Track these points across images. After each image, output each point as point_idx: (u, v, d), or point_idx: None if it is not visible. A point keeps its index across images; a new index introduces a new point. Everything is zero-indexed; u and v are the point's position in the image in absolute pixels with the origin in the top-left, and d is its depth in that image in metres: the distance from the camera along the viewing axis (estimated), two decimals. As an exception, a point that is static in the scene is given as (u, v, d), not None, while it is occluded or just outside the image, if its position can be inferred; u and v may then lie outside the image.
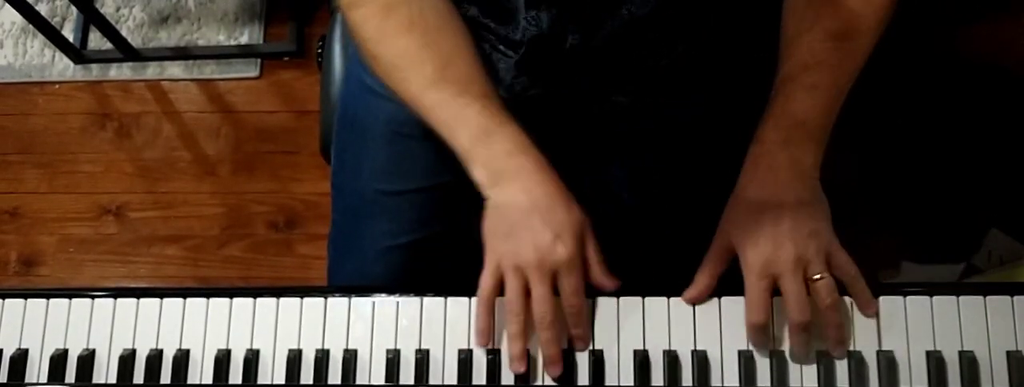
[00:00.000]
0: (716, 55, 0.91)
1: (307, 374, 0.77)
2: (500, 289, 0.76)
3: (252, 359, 0.78)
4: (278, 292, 0.80)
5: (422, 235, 0.95)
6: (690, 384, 0.75)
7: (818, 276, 0.73)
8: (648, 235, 0.94)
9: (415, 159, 0.95)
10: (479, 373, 0.76)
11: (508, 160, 0.76)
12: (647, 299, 0.77)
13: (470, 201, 0.98)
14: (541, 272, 0.74)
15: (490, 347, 0.77)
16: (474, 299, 0.78)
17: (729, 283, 0.76)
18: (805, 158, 0.76)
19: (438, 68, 0.78)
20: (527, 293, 0.74)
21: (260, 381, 0.78)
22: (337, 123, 1.04)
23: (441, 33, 0.80)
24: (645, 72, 0.89)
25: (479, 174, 0.77)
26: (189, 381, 0.78)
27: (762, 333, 0.74)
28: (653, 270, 0.80)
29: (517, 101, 0.93)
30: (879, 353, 0.74)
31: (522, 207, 0.75)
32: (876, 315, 0.74)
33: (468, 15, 0.87)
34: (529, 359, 0.76)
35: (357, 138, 1.00)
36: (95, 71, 1.82)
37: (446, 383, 0.76)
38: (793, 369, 0.74)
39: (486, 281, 0.76)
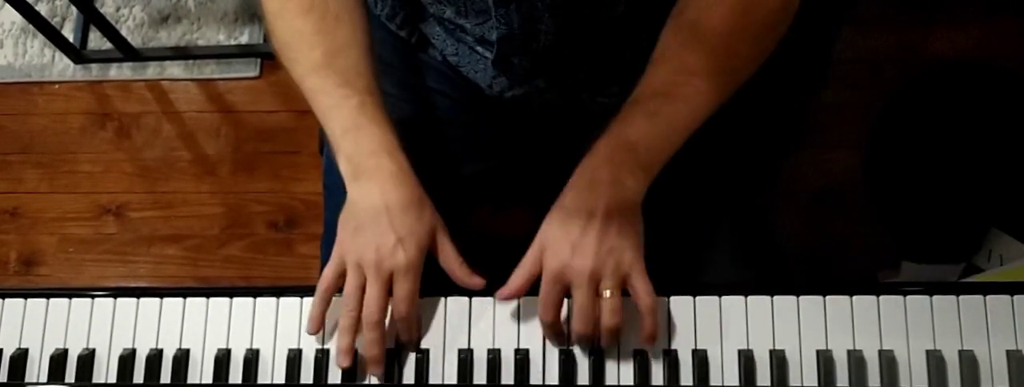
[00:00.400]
0: None
1: (307, 374, 0.77)
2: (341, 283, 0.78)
3: (252, 359, 0.78)
4: (278, 292, 0.80)
5: None
6: (690, 384, 0.75)
7: (607, 293, 0.74)
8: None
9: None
10: (479, 373, 0.76)
11: (369, 158, 0.78)
12: (647, 299, 0.77)
13: (459, 201, 0.98)
14: (378, 273, 0.76)
15: (490, 347, 0.77)
16: (474, 299, 0.78)
17: (729, 283, 0.76)
18: (627, 180, 0.76)
19: (326, 55, 0.80)
20: (364, 290, 0.76)
21: (260, 381, 0.78)
22: None
23: (339, 22, 0.81)
24: (625, 71, 0.89)
25: (343, 167, 0.80)
26: (189, 381, 0.78)
27: (550, 329, 0.76)
28: (651, 264, 0.80)
29: (499, 103, 0.93)
30: (880, 352, 0.74)
31: (373, 207, 0.77)
32: (655, 342, 0.75)
33: (445, 17, 0.87)
34: (529, 360, 0.76)
35: None
36: (95, 71, 1.82)
37: (446, 383, 0.76)
38: (793, 369, 0.74)
39: (327, 272, 0.78)
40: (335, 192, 1.01)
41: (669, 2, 0.80)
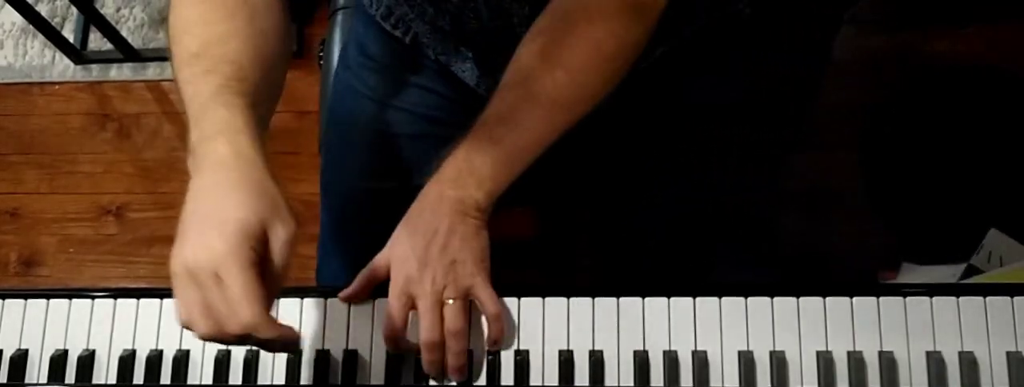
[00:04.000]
0: (669, 34, 0.91)
1: (307, 374, 0.77)
2: None
3: (252, 359, 0.78)
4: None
5: None
6: (690, 385, 0.75)
7: (449, 301, 0.75)
8: (642, 229, 0.94)
9: (399, 158, 0.96)
10: (479, 373, 0.76)
11: (205, 144, 0.69)
12: (647, 299, 0.77)
13: None
14: (196, 281, 0.65)
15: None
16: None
17: (730, 283, 0.76)
18: (468, 200, 0.77)
19: (203, 44, 0.74)
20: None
21: (260, 381, 0.78)
22: (325, 123, 1.04)
23: (230, 17, 0.76)
24: None
25: (189, 162, 0.71)
26: (189, 381, 0.78)
27: (391, 342, 0.76)
28: (651, 264, 0.80)
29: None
30: (880, 354, 0.74)
31: (195, 200, 0.68)
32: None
33: (426, 19, 0.88)
34: (528, 361, 0.76)
35: (342, 138, 1.00)
36: (95, 71, 1.82)
37: (447, 384, 0.76)
38: (793, 370, 0.74)
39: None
40: (330, 191, 1.02)
41: None
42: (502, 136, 0.78)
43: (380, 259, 0.78)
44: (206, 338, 0.66)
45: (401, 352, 0.77)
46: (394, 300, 0.76)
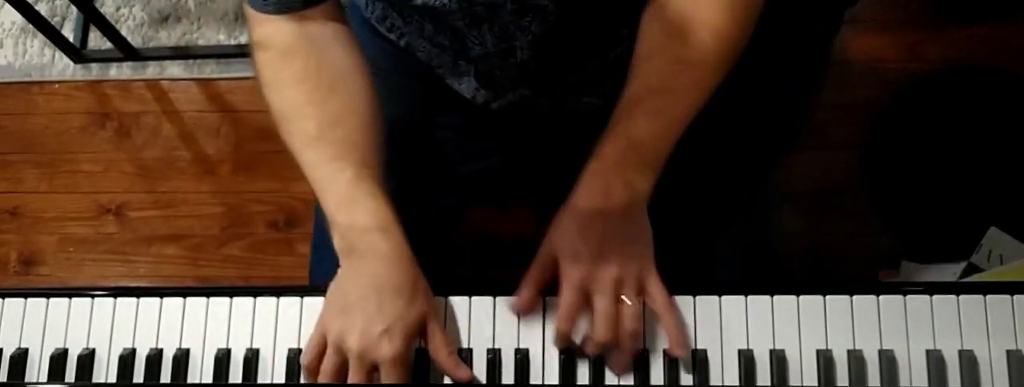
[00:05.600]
0: None
1: (307, 374, 0.77)
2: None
3: (252, 359, 0.78)
4: (278, 292, 0.80)
5: None
6: (690, 384, 0.75)
7: (627, 300, 0.73)
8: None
9: (390, 159, 0.96)
10: (479, 372, 0.76)
11: (363, 235, 0.75)
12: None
13: (456, 200, 0.98)
14: (360, 362, 0.73)
15: (490, 347, 0.77)
16: (473, 298, 0.78)
17: (730, 283, 0.76)
18: (638, 182, 0.76)
19: (320, 126, 0.78)
20: (344, 367, 0.73)
21: (260, 381, 0.78)
22: None
23: (333, 92, 0.79)
24: (610, 72, 0.89)
25: (337, 242, 0.77)
26: (189, 380, 0.78)
27: (564, 340, 0.74)
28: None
29: (486, 114, 0.93)
30: (880, 352, 0.74)
31: (363, 288, 0.74)
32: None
33: (425, 34, 0.87)
34: (529, 360, 0.76)
35: None
36: (95, 71, 1.82)
37: (445, 383, 0.76)
38: (793, 369, 0.74)
39: (311, 348, 0.75)
40: None
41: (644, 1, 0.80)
42: (659, 107, 0.76)
43: (545, 254, 0.76)
44: None
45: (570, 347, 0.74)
46: (569, 295, 0.73)
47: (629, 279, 0.73)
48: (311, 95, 0.78)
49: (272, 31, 0.80)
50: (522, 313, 0.76)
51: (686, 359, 0.74)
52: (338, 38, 0.81)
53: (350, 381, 0.73)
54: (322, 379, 0.74)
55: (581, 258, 0.74)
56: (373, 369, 0.73)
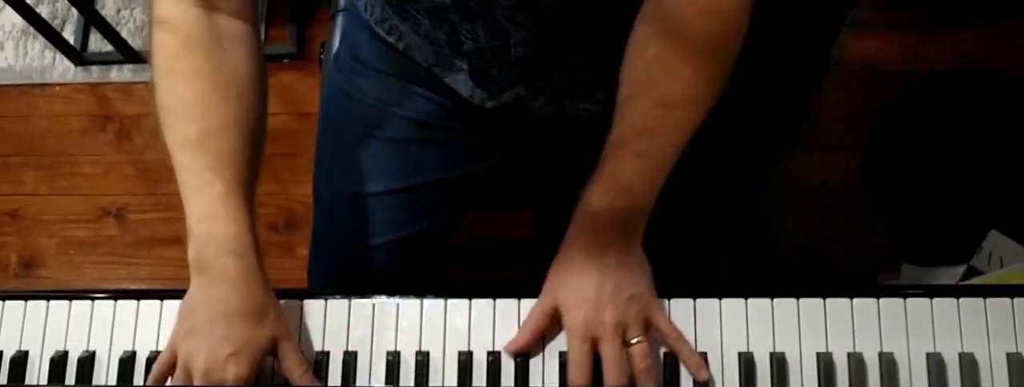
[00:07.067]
0: None
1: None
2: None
3: (252, 361, 0.78)
4: (278, 294, 0.80)
5: (396, 237, 0.95)
6: (690, 385, 0.75)
7: (635, 340, 0.74)
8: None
9: (387, 161, 0.96)
10: (479, 375, 0.76)
11: (217, 256, 0.74)
12: (647, 301, 0.77)
13: (444, 202, 0.98)
14: (207, 383, 0.73)
15: (490, 349, 0.77)
16: (473, 301, 0.78)
17: (730, 284, 0.76)
18: (629, 223, 0.76)
19: (202, 133, 0.76)
20: None
21: (260, 381, 0.78)
22: (318, 126, 1.04)
23: (226, 98, 0.77)
24: (607, 77, 0.89)
25: (191, 255, 0.75)
26: (189, 383, 0.78)
27: None
28: (651, 265, 0.80)
29: (484, 115, 0.93)
30: (880, 355, 0.74)
31: (211, 311, 0.74)
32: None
33: (420, 31, 0.87)
34: (528, 363, 0.76)
35: (333, 141, 1.00)
36: (95, 73, 1.82)
37: (446, 385, 0.76)
38: (793, 371, 0.74)
39: (159, 365, 0.75)
40: (321, 195, 1.02)
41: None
42: (645, 148, 0.75)
43: (545, 305, 0.76)
44: None
45: None
46: (577, 345, 0.74)
47: (631, 320, 0.74)
48: (202, 97, 0.77)
49: (178, 13, 0.78)
50: (512, 353, 0.76)
51: (710, 379, 0.74)
52: (243, 40, 0.79)
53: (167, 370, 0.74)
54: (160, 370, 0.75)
55: (582, 307, 0.74)
56: None
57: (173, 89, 0.78)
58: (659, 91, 0.76)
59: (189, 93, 0.77)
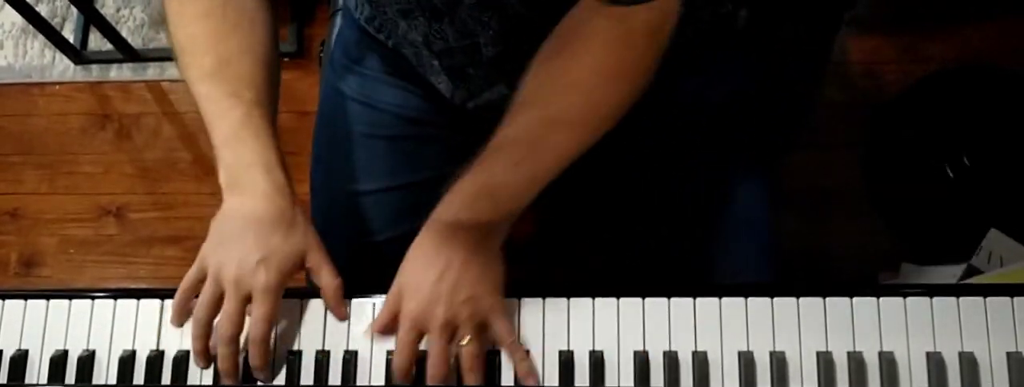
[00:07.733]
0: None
1: (307, 375, 0.77)
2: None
3: (252, 360, 0.78)
4: (278, 293, 0.80)
5: (392, 235, 0.95)
6: (690, 385, 0.75)
7: (464, 342, 0.74)
8: (642, 229, 0.94)
9: (383, 159, 0.96)
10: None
11: (246, 171, 0.78)
12: (647, 300, 0.77)
13: (439, 200, 0.97)
14: (236, 290, 0.75)
15: (489, 349, 0.77)
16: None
17: (730, 284, 0.76)
18: (488, 225, 0.76)
19: (218, 62, 0.80)
20: (220, 301, 0.76)
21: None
22: (315, 125, 1.05)
23: (236, 30, 0.81)
24: None
25: (221, 176, 0.79)
26: (189, 382, 0.78)
27: (404, 374, 0.75)
28: (651, 264, 0.80)
29: (466, 115, 0.93)
30: (880, 354, 0.74)
31: (243, 220, 0.77)
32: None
33: (399, 31, 0.88)
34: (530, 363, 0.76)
35: (330, 139, 1.01)
36: (95, 72, 1.82)
37: (445, 384, 0.76)
38: (793, 370, 0.74)
39: (187, 280, 0.78)
40: (318, 193, 1.02)
41: None
42: (522, 158, 0.76)
43: (394, 288, 0.77)
44: (194, 328, 0.76)
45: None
46: (404, 333, 0.74)
47: (464, 321, 0.74)
48: (213, 31, 0.80)
49: None
50: (374, 337, 0.77)
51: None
52: None
53: (224, 308, 0.76)
54: (198, 310, 0.76)
55: (416, 297, 0.74)
56: (247, 299, 0.75)
57: (185, 29, 0.82)
58: (550, 109, 0.76)
59: (199, 31, 0.81)
